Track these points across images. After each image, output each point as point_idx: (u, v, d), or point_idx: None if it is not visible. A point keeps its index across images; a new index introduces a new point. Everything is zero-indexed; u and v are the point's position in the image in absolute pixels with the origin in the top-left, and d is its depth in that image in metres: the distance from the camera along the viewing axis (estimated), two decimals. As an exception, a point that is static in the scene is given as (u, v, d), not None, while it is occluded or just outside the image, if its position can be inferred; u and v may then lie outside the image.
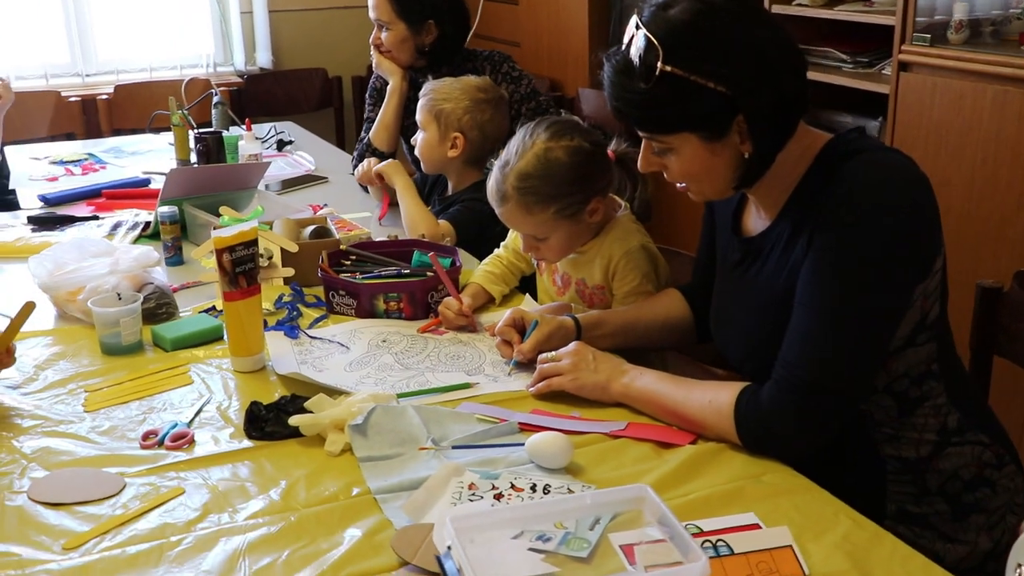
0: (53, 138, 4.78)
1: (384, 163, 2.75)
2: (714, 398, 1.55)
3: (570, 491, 1.43)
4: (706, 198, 1.61)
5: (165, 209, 2.46)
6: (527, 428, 1.62)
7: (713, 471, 1.48)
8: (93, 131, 4.90)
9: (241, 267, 1.82)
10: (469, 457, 1.54)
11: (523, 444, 1.53)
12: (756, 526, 1.33)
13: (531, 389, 1.75)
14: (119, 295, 2.01)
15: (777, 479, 1.46)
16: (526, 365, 1.81)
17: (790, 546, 1.27)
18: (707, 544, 1.27)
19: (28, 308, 1.76)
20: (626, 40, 1.49)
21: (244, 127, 3.31)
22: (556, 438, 1.51)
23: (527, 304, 2.15)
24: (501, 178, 1.94)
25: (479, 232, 2.46)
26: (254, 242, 1.85)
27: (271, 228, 2.34)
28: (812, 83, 1.53)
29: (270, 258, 2.23)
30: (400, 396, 1.72)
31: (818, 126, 1.59)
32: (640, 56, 1.45)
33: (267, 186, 3.14)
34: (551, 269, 2.12)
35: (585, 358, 1.72)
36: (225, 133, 3.22)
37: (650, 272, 1.99)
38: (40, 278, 2.14)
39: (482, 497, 1.41)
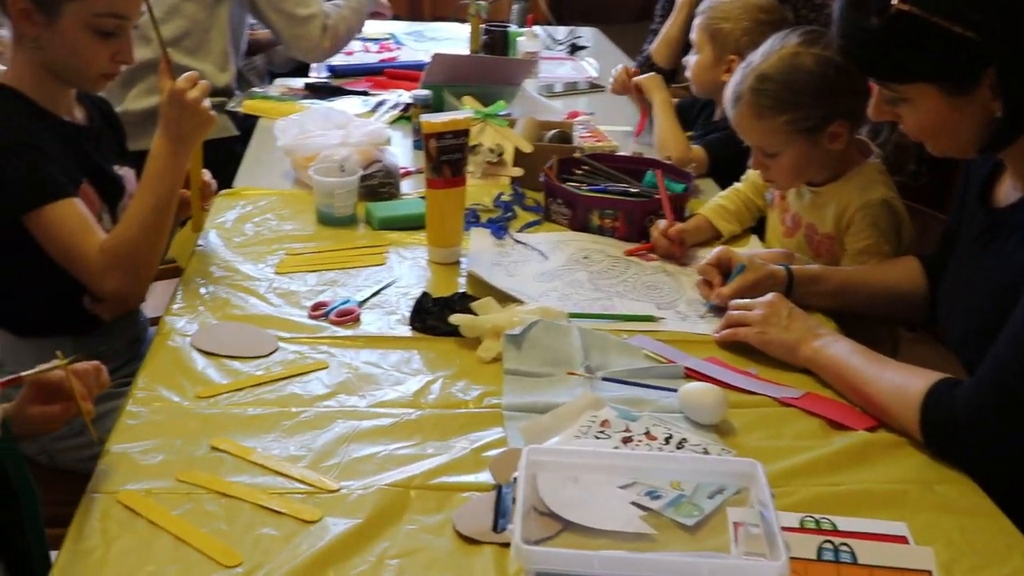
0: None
1: (645, 75, 2.59)
2: (905, 383, 1.33)
3: (706, 452, 1.28)
4: (945, 155, 1.37)
5: (420, 92, 2.45)
6: (692, 375, 1.48)
7: (880, 466, 1.28)
8: (416, 15, 5.03)
9: (447, 156, 1.77)
10: (617, 392, 1.42)
11: (677, 391, 1.39)
12: (902, 539, 1.13)
13: (716, 335, 1.59)
14: (342, 167, 2.02)
15: (952, 492, 1.23)
16: (723, 309, 1.65)
17: (929, 572, 1.07)
18: (827, 546, 1.09)
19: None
20: None
21: (527, 25, 3.25)
22: (711, 391, 1.36)
23: (752, 244, 1.96)
24: (740, 79, 1.75)
25: (732, 166, 2.27)
26: (465, 132, 1.78)
27: (513, 126, 2.28)
28: None
29: (500, 155, 2.17)
30: (571, 316, 1.61)
31: None
32: None
33: (549, 87, 3.07)
34: (782, 207, 1.91)
35: (778, 312, 1.53)
36: (514, 29, 3.18)
37: (889, 232, 1.75)
38: (282, 140, 2.20)
39: (609, 437, 1.30)
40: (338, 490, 1.19)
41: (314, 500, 1.17)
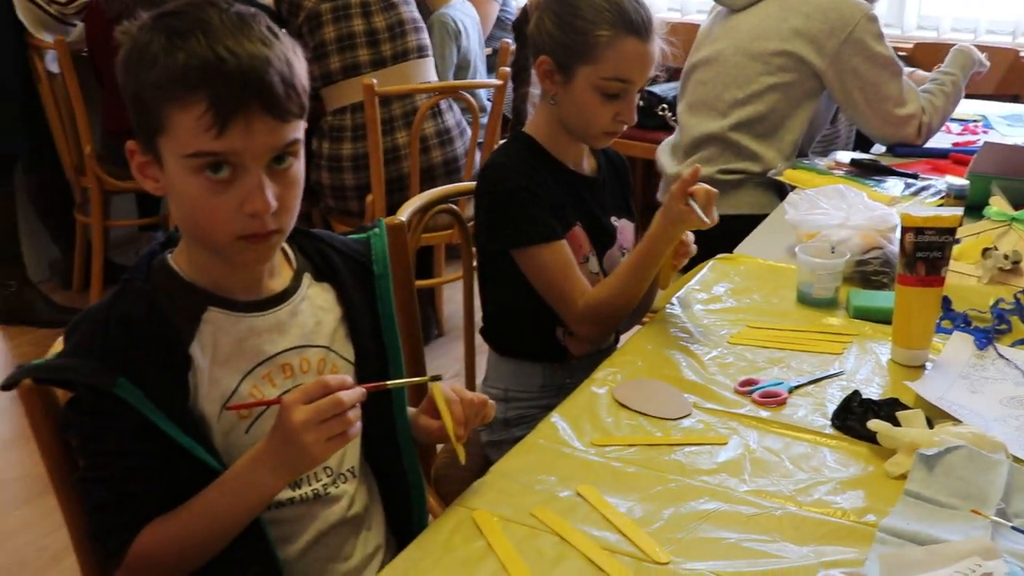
0: (995, 98, 4.62)
1: None
2: None
3: (1092, 643, 1.08)
4: None
5: (956, 181, 2.30)
6: None
7: None
8: (1043, 96, 4.62)
9: (923, 252, 1.66)
10: (1022, 547, 1.24)
11: (1096, 563, 1.18)
12: None
13: None
14: (832, 248, 1.97)
15: None
16: None
17: None
18: None
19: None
20: None
21: None
22: None
23: None
24: None
25: None
26: (949, 231, 1.66)
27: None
28: None
29: (1016, 262, 1.96)
30: (1015, 459, 1.42)
31: None
32: None
33: None
34: None
35: None
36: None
37: None
38: (791, 214, 2.20)
39: (982, 592, 1.14)
40: (667, 563, 1.20)
41: (639, 567, 1.20)
